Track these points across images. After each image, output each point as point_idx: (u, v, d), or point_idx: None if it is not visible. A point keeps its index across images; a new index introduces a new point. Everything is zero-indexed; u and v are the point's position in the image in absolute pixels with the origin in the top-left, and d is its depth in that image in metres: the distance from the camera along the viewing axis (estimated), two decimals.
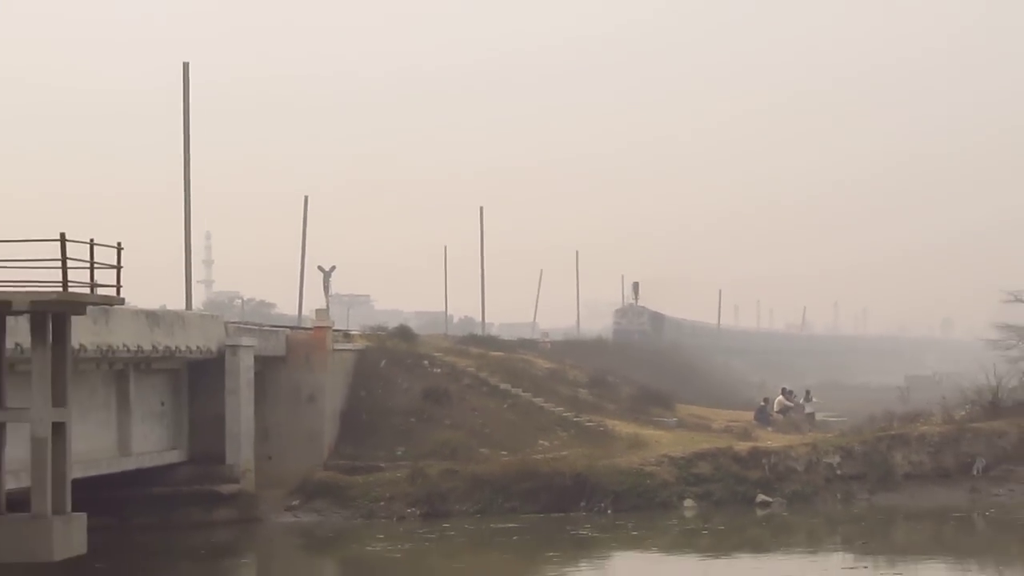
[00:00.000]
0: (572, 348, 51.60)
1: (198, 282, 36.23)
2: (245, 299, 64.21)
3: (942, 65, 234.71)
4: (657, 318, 79.11)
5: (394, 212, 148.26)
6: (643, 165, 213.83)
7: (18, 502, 18.07)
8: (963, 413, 29.40)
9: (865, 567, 21.69)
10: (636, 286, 78.69)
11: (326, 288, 42.02)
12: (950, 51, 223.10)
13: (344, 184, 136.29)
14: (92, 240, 16.45)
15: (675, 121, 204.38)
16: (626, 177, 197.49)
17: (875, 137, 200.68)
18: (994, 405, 28.90)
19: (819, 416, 40.07)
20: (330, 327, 28.11)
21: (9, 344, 17.73)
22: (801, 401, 38.87)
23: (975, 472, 27.94)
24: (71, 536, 18.06)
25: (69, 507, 17.84)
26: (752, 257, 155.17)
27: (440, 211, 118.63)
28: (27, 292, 16.94)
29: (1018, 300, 38.43)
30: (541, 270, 73.93)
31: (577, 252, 73.77)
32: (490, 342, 40.55)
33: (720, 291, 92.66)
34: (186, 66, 30.82)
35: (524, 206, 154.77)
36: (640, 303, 78.69)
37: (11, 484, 18.26)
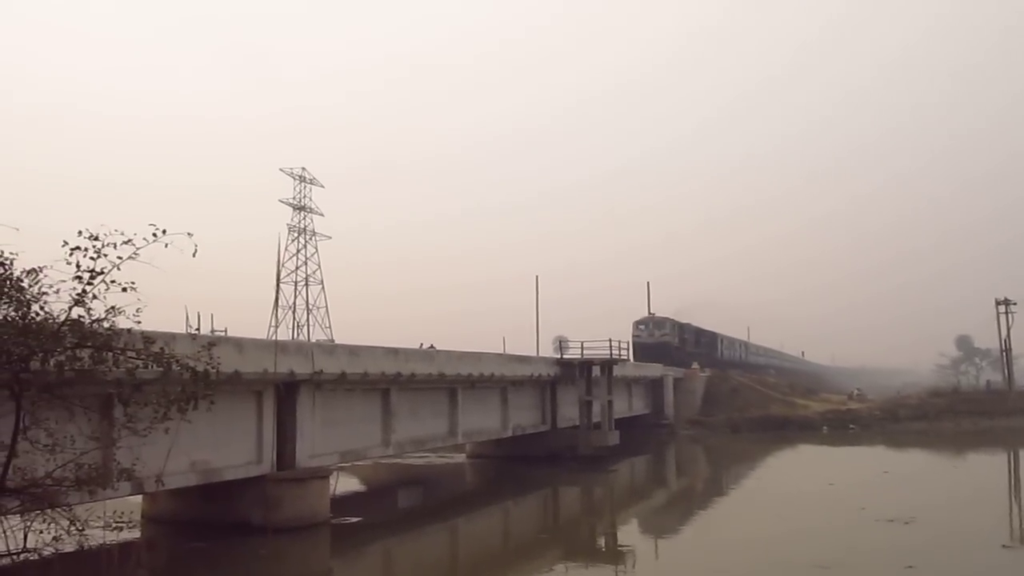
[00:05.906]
0: None
1: None
2: None
3: None
4: (707, 334, 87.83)
5: None
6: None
7: (596, 425, 44.01)
8: (923, 395, 65.61)
9: (887, 448, 51.16)
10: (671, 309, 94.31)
11: None
12: None
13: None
14: (618, 340, 50.71)
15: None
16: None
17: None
18: (935, 392, 64.71)
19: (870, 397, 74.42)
20: (697, 369, 68.52)
21: (594, 374, 44.02)
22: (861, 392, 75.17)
23: (930, 416, 61.08)
24: (615, 437, 43.86)
25: (613, 427, 43.75)
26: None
27: None
28: (600, 358, 43.64)
29: (944, 355, 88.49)
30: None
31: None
32: (755, 370, 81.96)
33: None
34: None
35: None
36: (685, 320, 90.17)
37: (595, 419, 43.75)
